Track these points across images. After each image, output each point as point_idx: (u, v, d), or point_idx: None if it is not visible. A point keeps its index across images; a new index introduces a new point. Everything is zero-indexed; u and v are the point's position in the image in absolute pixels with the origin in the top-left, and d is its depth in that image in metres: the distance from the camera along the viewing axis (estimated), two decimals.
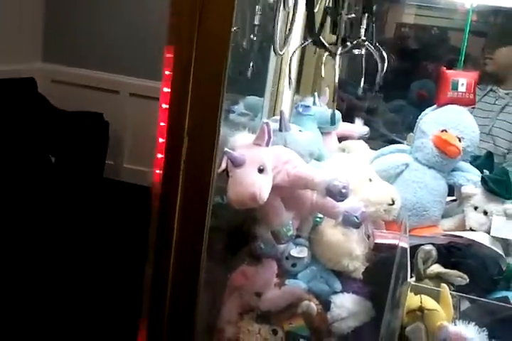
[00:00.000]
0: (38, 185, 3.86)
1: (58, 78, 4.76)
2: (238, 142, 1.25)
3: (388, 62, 1.83)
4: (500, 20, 2.40)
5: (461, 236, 1.54)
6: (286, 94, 1.99)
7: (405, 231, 1.48)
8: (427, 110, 1.73)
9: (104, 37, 4.54)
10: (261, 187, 1.21)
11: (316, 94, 2.01)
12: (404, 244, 1.41)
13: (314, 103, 1.97)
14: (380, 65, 1.55)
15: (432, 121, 1.66)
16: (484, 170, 1.72)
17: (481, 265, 1.41)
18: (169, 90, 1.01)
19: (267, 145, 1.26)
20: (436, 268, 1.26)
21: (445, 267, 1.30)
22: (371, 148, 1.97)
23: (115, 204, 4.18)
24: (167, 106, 1.03)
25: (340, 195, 1.28)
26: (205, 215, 1.14)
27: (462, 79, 1.63)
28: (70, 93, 4.66)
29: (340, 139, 2.07)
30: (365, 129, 2.14)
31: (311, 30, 1.44)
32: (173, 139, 1.04)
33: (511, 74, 2.50)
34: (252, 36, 1.63)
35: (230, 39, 0.99)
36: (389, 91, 2.92)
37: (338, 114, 2.02)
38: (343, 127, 2.08)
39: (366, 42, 1.44)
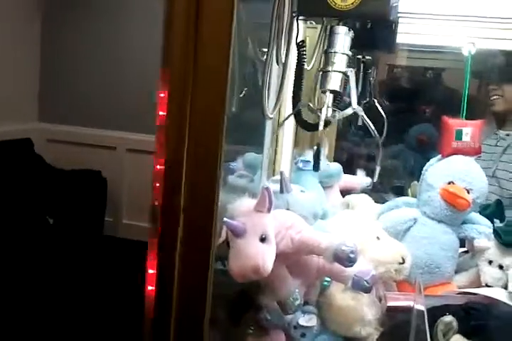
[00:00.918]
0: (37, 247, 3.79)
1: (54, 137, 4.74)
2: (238, 209, 1.18)
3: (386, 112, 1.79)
4: (502, 58, 2.37)
5: (477, 294, 1.46)
6: (286, 149, 1.93)
7: (420, 291, 1.40)
8: (432, 161, 1.67)
9: (98, 94, 4.53)
10: (264, 258, 1.13)
11: (315, 146, 1.95)
12: (420, 306, 1.33)
13: None
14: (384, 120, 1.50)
15: (438, 172, 1.59)
16: (495, 220, 1.65)
17: (502, 325, 1.33)
18: (162, 167, 0.95)
19: (269, 211, 1.19)
20: (457, 339, 1.18)
21: (465, 332, 1.21)
22: (374, 199, 1.91)
23: (116, 261, 4.10)
24: (159, 185, 0.97)
25: (348, 261, 1.21)
26: (205, 293, 1.06)
27: (466, 129, 1.57)
28: (66, 151, 4.64)
29: (343, 192, 2.01)
30: (368, 180, 2.09)
31: (296, 94, 1.38)
32: (168, 217, 0.98)
33: None
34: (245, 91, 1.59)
35: (226, 108, 0.94)
36: (387, 137, 2.87)
37: (339, 167, 1.97)
38: (345, 179, 2.02)
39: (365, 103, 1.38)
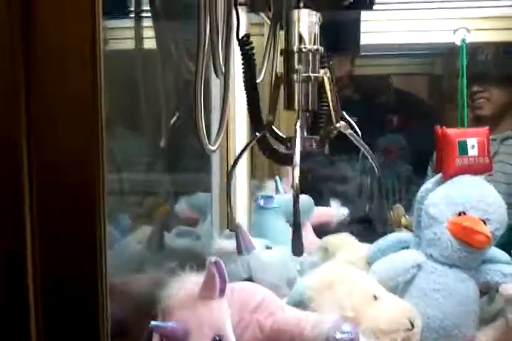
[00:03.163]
0: None
1: None
2: (174, 299, 0.77)
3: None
4: (488, 53, 2.04)
5: None
6: (240, 183, 1.54)
7: None
8: (428, 184, 1.28)
9: None
10: None
11: (277, 177, 1.58)
12: None
13: (277, 190, 1.54)
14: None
15: (442, 201, 1.20)
16: None
17: None
18: None
19: (222, 293, 0.78)
20: None
21: None
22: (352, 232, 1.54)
23: None
24: None
25: None
26: None
27: (471, 140, 1.20)
28: None
29: (316, 228, 1.64)
30: (344, 211, 1.73)
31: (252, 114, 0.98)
32: None
33: (502, 116, 2.12)
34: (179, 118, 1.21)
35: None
36: (352, 154, 2.53)
37: (308, 200, 1.59)
38: (318, 213, 1.65)
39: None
